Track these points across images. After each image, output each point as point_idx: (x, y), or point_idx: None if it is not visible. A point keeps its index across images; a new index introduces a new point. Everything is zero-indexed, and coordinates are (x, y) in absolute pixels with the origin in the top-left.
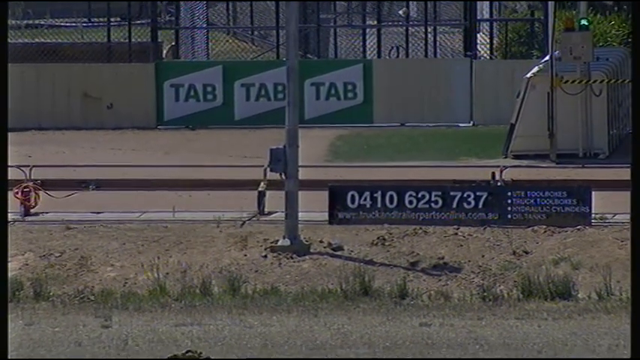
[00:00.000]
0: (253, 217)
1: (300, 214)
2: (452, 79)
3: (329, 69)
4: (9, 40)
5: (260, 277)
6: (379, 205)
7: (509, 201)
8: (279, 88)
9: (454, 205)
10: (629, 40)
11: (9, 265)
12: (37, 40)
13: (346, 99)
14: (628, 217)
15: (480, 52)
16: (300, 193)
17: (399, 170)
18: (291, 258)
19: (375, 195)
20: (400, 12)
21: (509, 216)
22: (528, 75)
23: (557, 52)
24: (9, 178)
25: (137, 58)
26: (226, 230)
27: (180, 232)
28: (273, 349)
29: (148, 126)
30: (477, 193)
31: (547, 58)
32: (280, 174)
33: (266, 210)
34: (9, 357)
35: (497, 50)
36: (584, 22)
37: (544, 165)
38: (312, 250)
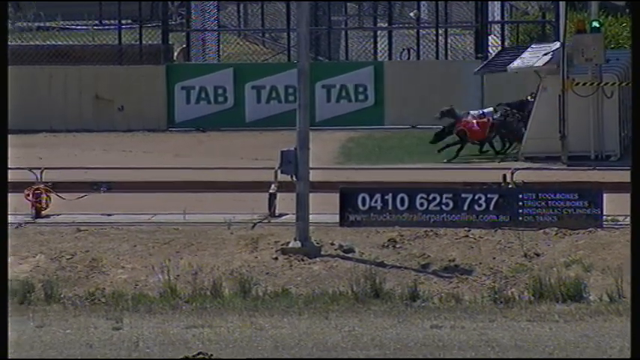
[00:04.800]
0: (264, 219)
1: (311, 216)
2: (463, 80)
3: (340, 71)
4: (20, 43)
5: (271, 280)
6: (390, 207)
7: (521, 203)
8: (290, 90)
9: (465, 208)
10: None
11: (20, 267)
12: (48, 42)
13: (357, 101)
14: None
15: (491, 54)
16: (311, 195)
17: (410, 172)
18: (302, 260)
19: (386, 197)
20: (411, 14)
21: (521, 218)
22: (537, 64)
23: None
24: (21, 180)
25: (148, 60)
26: (237, 232)
27: (191, 235)
28: (284, 351)
29: (158, 128)
30: (488, 196)
31: (556, 47)
32: (291, 176)
33: (277, 212)
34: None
35: None
36: (595, 24)
37: (555, 167)
38: (322, 253)
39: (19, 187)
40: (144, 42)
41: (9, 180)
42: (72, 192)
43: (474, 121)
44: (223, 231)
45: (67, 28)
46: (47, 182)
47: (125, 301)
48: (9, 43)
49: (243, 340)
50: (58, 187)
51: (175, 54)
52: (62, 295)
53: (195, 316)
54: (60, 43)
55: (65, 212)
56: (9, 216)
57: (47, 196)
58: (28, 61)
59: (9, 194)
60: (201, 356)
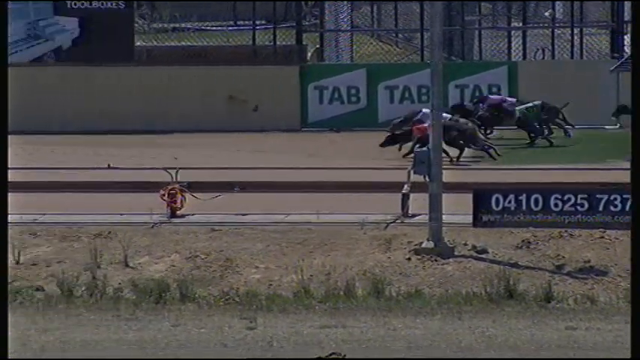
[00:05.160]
0: (397, 219)
1: (443, 216)
2: (598, 81)
3: (473, 71)
4: (156, 44)
5: (404, 280)
6: (524, 207)
7: None
8: (423, 90)
9: (600, 208)
10: None
11: (155, 266)
12: (183, 43)
13: None
14: None
15: (627, 53)
16: (443, 195)
17: (543, 172)
18: (435, 260)
19: (520, 198)
20: (546, 13)
21: None
22: None
23: None
24: (156, 180)
25: (282, 60)
26: (370, 232)
27: (323, 234)
28: (417, 351)
29: (292, 128)
30: (624, 196)
31: None
32: (424, 176)
33: (410, 212)
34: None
35: None
36: None
37: None
38: (456, 253)
39: (155, 187)
40: (277, 42)
41: (146, 180)
42: (206, 192)
43: (427, 123)
44: (356, 231)
45: (202, 29)
46: (182, 182)
47: (259, 301)
48: (145, 43)
49: (377, 341)
50: (192, 187)
51: (309, 54)
52: (197, 295)
53: (329, 316)
54: (194, 44)
55: (200, 212)
56: (144, 216)
57: (182, 196)
58: (163, 62)
59: (144, 194)
60: (334, 356)
